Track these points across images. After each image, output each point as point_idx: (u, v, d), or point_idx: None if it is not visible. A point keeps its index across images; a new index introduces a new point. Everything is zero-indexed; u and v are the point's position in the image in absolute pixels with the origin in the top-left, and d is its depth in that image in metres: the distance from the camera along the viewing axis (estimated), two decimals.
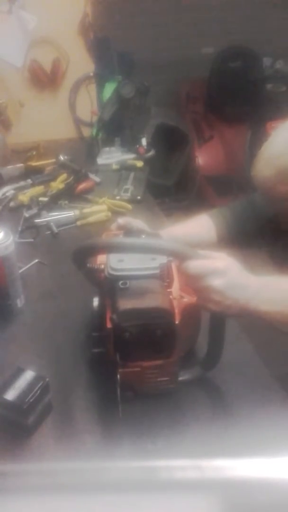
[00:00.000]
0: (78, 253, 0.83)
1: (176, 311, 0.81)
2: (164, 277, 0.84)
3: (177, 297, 0.84)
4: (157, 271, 0.82)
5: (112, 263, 0.82)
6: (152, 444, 0.82)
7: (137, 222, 1.04)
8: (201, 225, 1.21)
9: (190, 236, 1.17)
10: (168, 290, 0.84)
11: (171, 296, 0.83)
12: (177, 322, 0.80)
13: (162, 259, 0.83)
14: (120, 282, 0.80)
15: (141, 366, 0.83)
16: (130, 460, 0.34)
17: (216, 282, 0.76)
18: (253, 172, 1.01)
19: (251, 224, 1.19)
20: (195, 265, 0.76)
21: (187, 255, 0.77)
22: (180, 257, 0.79)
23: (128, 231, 0.96)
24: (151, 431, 0.84)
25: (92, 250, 0.84)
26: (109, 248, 0.82)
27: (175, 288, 0.85)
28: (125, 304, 0.78)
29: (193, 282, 0.79)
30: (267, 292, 0.80)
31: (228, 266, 0.78)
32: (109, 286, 0.83)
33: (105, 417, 0.85)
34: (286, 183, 0.96)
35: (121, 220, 1.03)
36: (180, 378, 0.88)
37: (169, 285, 0.85)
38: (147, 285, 0.81)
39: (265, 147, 1.00)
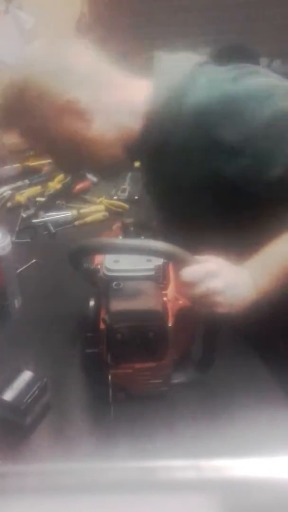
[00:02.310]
0: (75, 253, 0.83)
1: (170, 313, 0.81)
2: (159, 278, 0.83)
3: (172, 299, 0.83)
4: (152, 273, 0.82)
5: (107, 263, 0.82)
6: (151, 444, 0.82)
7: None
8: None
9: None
10: (163, 292, 0.84)
11: (165, 298, 0.83)
12: (170, 324, 0.80)
13: (157, 261, 0.82)
14: (114, 283, 0.80)
15: (133, 368, 0.83)
16: (129, 460, 0.34)
17: (215, 283, 0.75)
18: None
19: None
20: (189, 271, 0.75)
21: (180, 257, 0.76)
22: (173, 258, 0.79)
23: (127, 231, 0.96)
24: (150, 431, 0.84)
25: (88, 251, 0.84)
26: (105, 249, 0.82)
27: (171, 290, 0.85)
28: (117, 305, 0.78)
29: (192, 290, 0.77)
30: (259, 275, 0.79)
31: (220, 265, 0.77)
32: (104, 287, 0.83)
33: (104, 418, 0.85)
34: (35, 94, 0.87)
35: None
36: (175, 381, 0.88)
37: (165, 287, 0.85)
38: (140, 287, 0.81)
39: None
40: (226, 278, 0.76)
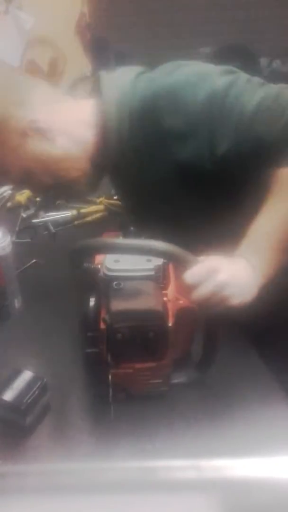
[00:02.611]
0: (75, 253, 0.83)
1: (170, 313, 0.81)
2: (159, 278, 0.83)
3: (172, 299, 0.83)
4: (152, 273, 0.82)
5: (107, 263, 0.82)
6: (151, 444, 0.82)
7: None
8: None
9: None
10: (163, 292, 0.84)
11: (165, 298, 0.83)
12: (170, 324, 0.80)
13: (157, 261, 0.82)
14: (114, 283, 0.80)
15: (133, 368, 0.83)
16: (129, 461, 0.34)
17: (219, 278, 0.75)
18: None
19: None
20: (191, 274, 0.75)
21: (180, 257, 0.76)
22: (174, 259, 0.79)
23: (127, 231, 0.96)
24: (150, 432, 0.84)
25: (89, 250, 0.84)
26: (105, 249, 0.82)
27: (171, 290, 0.85)
28: (118, 305, 0.78)
29: (199, 291, 0.76)
30: (255, 257, 0.80)
31: (219, 261, 0.78)
32: (105, 287, 0.83)
33: (104, 418, 0.85)
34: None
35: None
36: (175, 381, 0.88)
37: (165, 287, 0.85)
38: (141, 287, 0.81)
39: None
40: (229, 271, 0.77)
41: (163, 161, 0.92)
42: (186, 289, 0.78)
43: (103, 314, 0.80)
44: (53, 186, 1.00)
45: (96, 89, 0.98)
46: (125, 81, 0.95)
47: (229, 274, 0.76)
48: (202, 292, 0.76)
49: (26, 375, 0.85)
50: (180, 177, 0.92)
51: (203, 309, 0.80)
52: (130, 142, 0.93)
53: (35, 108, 0.93)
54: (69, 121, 0.96)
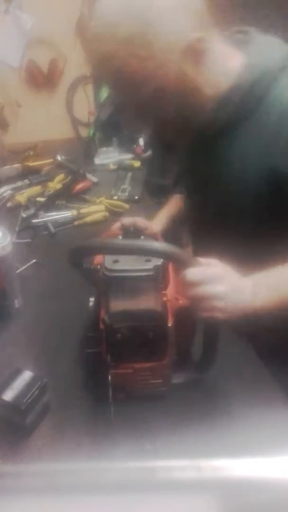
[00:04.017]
0: (74, 253, 0.83)
1: (170, 313, 0.81)
2: (159, 278, 0.83)
3: (172, 299, 0.83)
4: (151, 273, 0.82)
5: (107, 263, 0.82)
6: (150, 444, 0.82)
7: (141, 221, 1.04)
8: (176, 200, 1.29)
9: (172, 213, 1.27)
10: (163, 292, 0.84)
11: (165, 298, 0.83)
12: (170, 324, 0.80)
13: (157, 261, 0.82)
14: (114, 283, 0.80)
15: (133, 368, 0.83)
16: (128, 460, 0.34)
17: (218, 289, 0.74)
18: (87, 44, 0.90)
19: None
20: (194, 272, 0.75)
21: (180, 258, 0.76)
22: (173, 259, 0.79)
23: (126, 232, 0.96)
24: (149, 432, 0.84)
25: (88, 251, 0.84)
26: (104, 249, 0.82)
27: (170, 290, 0.85)
28: (117, 305, 0.78)
29: (192, 291, 0.76)
30: (261, 289, 0.79)
31: (225, 271, 0.77)
32: (104, 287, 0.83)
33: (103, 418, 0.85)
34: (133, 54, 0.81)
35: (125, 221, 1.02)
36: (175, 381, 0.88)
37: (165, 287, 0.85)
38: (140, 287, 0.81)
39: (96, 18, 0.86)
40: (229, 285, 0.76)
41: (262, 160, 0.85)
42: (182, 285, 0.78)
43: (103, 315, 0.80)
44: (170, 119, 0.91)
45: (243, 43, 0.90)
46: (276, 58, 0.87)
47: (227, 288, 0.75)
48: (196, 293, 0.76)
49: (26, 375, 0.85)
50: (271, 189, 0.85)
51: (191, 306, 0.80)
52: (250, 117, 0.86)
53: (200, 29, 0.83)
54: (218, 56, 0.87)
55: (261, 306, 0.78)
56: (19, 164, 1.87)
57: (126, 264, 0.82)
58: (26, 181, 1.77)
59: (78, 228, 1.52)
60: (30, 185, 1.76)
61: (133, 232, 0.96)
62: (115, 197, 1.68)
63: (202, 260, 0.77)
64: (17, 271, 1.16)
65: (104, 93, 2.08)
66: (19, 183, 1.76)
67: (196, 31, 0.83)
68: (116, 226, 1.04)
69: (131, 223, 1.01)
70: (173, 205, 1.29)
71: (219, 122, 0.89)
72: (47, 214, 1.56)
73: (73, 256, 0.84)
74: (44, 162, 1.93)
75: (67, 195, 1.68)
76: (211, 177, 0.96)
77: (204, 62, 0.85)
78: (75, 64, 2.15)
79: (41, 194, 1.70)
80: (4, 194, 1.70)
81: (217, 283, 0.75)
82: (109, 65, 0.84)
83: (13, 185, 1.75)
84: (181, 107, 0.88)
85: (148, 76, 0.83)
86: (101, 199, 1.64)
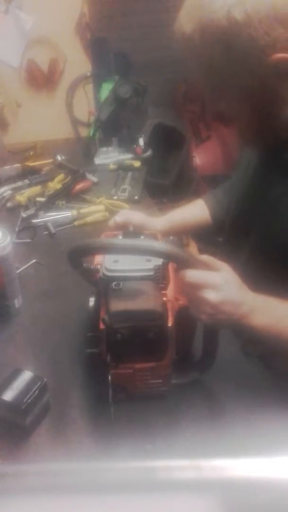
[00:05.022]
0: (73, 253, 0.83)
1: (170, 313, 0.81)
2: (159, 279, 0.83)
3: (172, 300, 0.83)
4: (151, 273, 0.82)
5: (107, 263, 0.82)
6: (151, 444, 0.82)
7: (137, 216, 1.04)
8: (196, 207, 1.25)
9: (186, 219, 1.22)
10: (163, 292, 0.84)
11: (165, 298, 0.83)
12: (170, 324, 0.79)
13: (157, 261, 0.82)
14: (113, 283, 0.80)
15: (133, 368, 0.83)
16: (129, 460, 0.34)
17: (211, 296, 0.74)
18: (175, 29, 0.85)
19: None
20: (193, 274, 0.75)
21: (182, 259, 0.76)
22: (173, 259, 0.79)
23: (126, 231, 0.96)
24: (150, 432, 0.84)
25: (87, 251, 0.83)
26: (104, 249, 0.82)
27: (170, 290, 0.85)
28: (117, 305, 0.78)
29: (187, 291, 0.77)
30: (260, 314, 0.78)
31: (226, 281, 0.76)
32: (104, 287, 0.83)
33: (104, 418, 0.85)
34: (208, 40, 0.78)
35: (118, 218, 1.02)
36: (174, 381, 0.88)
37: (165, 287, 0.85)
38: (140, 287, 0.80)
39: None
40: (226, 295, 0.75)
41: None
42: (180, 283, 0.78)
43: (103, 315, 0.80)
44: (251, 132, 0.87)
45: None
46: None
47: (221, 299, 0.74)
48: (192, 294, 0.76)
49: (26, 375, 0.85)
50: None
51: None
52: None
53: None
54: None
55: (258, 326, 0.77)
56: (19, 164, 1.87)
57: (126, 264, 0.82)
58: (26, 181, 1.77)
59: (78, 228, 1.52)
60: (30, 185, 1.76)
61: (133, 232, 0.96)
62: (115, 197, 1.68)
63: (203, 257, 0.78)
64: (17, 271, 1.16)
65: (104, 93, 2.08)
66: (19, 183, 1.76)
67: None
68: (111, 223, 1.03)
69: (125, 220, 1.01)
70: (190, 211, 1.25)
71: None
72: (47, 214, 1.56)
73: (72, 256, 0.84)
74: (44, 162, 1.94)
75: (67, 195, 1.68)
76: (284, 208, 0.88)
77: None
78: (75, 64, 2.15)
79: (41, 194, 1.70)
80: (4, 194, 1.70)
81: (212, 290, 0.74)
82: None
83: (13, 185, 1.75)
84: (266, 124, 0.84)
85: (234, 83, 0.80)
86: (101, 199, 1.64)
